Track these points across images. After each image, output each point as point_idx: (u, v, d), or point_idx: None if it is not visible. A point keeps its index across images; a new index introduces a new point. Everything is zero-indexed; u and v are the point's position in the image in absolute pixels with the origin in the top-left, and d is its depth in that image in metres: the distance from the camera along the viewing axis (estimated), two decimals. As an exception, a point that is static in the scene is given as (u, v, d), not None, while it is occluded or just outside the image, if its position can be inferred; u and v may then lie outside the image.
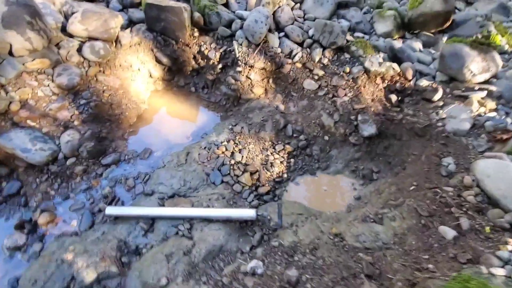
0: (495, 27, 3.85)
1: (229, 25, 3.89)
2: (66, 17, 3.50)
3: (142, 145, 3.37)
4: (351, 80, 3.53)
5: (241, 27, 3.77)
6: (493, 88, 3.15)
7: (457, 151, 2.78)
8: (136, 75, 3.73)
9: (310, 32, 3.83)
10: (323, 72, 3.66)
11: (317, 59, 3.72)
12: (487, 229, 2.08)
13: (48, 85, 3.00)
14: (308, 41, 3.81)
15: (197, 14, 3.81)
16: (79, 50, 3.30)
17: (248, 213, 2.46)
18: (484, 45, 3.22)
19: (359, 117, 3.35)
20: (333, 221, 2.77)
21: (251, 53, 3.65)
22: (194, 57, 3.97)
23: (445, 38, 4.18)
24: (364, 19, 4.20)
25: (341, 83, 3.53)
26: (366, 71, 3.50)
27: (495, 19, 4.35)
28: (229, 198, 2.84)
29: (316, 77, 3.67)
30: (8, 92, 2.83)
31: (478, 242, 2.03)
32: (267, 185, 3.04)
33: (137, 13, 3.97)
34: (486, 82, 3.26)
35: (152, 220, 2.59)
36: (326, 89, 3.59)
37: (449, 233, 2.17)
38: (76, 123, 3.03)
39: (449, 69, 3.30)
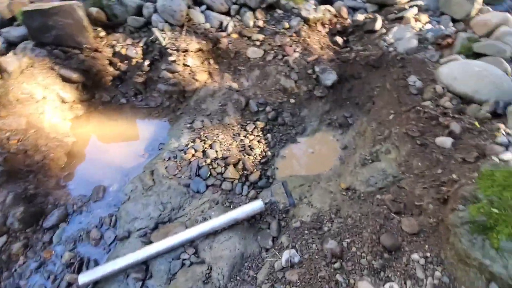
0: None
1: (139, 12, 3.35)
2: None
3: (89, 185, 2.73)
4: (294, 35, 3.42)
5: (155, 11, 3.28)
6: (420, 2, 3.40)
7: (416, 68, 2.94)
8: (44, 105, 2.96)
9: (233, -3, 3.56)
10: (263, 36, 3.47)
11: (251, 24, 3.50)
12: (476, 123, 2.23)
13: None
14: (234, 7, 3.55)
15: (94, 10, 3.17)
16: None
17: (256, 205, 2.19)
18: (398, -35, 3.42)
19: (316, 69, 3.30)
20: (336, 178, 2.70)
21: (179, 37, 3.21)
22: (111, 62, 3.34)
23: (357, -28, 4.36)
24: (280, -29, 4.09)
25: (285, 41, 3.40)
26: (305, 20, 3.43)
27: None
28: (222, 200, 2.51)
29: (258, 43, 3.46)
30: None
31: (476, 139, 2.16)
32: (255, 170, 2.79)
33: (14, 31, 3.12)
34: (411, 0, 3.51)
35: (145, 264, 2.12)
36: (272, 52, 3.42)
37: (446, 141, 2.28)
38: (-16, 191, 2.25)
39: (378, -4, 3.45)
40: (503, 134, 2.05)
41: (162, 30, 3.22)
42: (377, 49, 3.20)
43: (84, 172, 2.86)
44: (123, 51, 3.24)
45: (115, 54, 3.27)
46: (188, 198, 2.55)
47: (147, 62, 3.31)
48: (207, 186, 2.60)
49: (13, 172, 2.46)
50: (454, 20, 3.29)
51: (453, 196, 1.84)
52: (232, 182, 2.64)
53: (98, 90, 3.41)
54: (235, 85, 3.35)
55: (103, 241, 2.37)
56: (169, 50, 3.20)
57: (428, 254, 1.70)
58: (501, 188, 1.67)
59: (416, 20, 3.25)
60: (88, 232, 2.40)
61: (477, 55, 2.77)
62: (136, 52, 3.26)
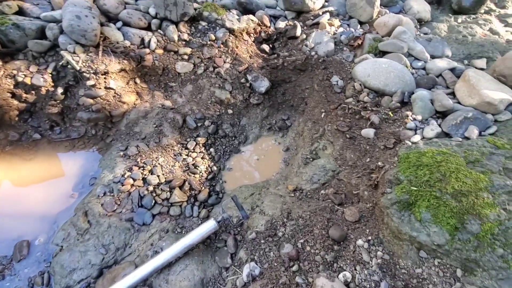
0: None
1: (41, 35, 3.02)
2: None
3: (8, 244, 2.36)
4: (222, 46, 3.52)
5: (62, 32, 3.01)
6: (331, 8, 3.85)
7: (336, 68, 3.32)
8: None
9: (152, 11, 3.49)
10: (191, 49, 3.48)
11: (176, 38, 3.48)
12: (390, 113, 2.64)
13: None
14: (155, 21, 3.48)
15: (-19, 35, 2.75)
16: None
17: (209, 226, 2.20)
18: (307, -25, 3.81)
19: (249, 77, 3.45)
20: (283, 181, 2.88)
21: (95, 58, 3.01)
22: (14, 95, 2.94)
23: (273, -19, 4.70)
24: (197, -18, 4.16)
25: (214, 53, 3.47)
26: (231, 31, 3.56)
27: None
28: (173, 227, 2.45)
29: (186, 57, 3.46)
30: None
31: (391, 127, 2.56)
32: (203, 188, 2.78)
33: None
34: (323, 6, 3.94)
35: (94, 320, 1.94)
36: (203, 64, 3.45)
37: (369, 132, 2.64)
38: None
39: (294, 4, 3.78)
40: (411, 120, 2.47)
41: (74, 53, 2.97)
42: (301, 53, 3.51)
43: (-3, 230, 2.45)
44: (28, 81, 2.89)
45: (18, 84, 2.89)
46: (134, 234, 2.41)
47: (60, 90, 3.00)
48: (154, 216, 2.50)
49: None
50: (360, 23, 3.82)
51: (381, 180, 2.15)
52: (180, 206, 2.59)
53: (2, 129, 2.96)
54: (168, 103, 3.28)
55: (36, 306, 2.09)
56: (85, 74, 2.96)
57: (369, 238, 1.95)
58: (416, 168, 2.02)
59: (330, 24, 3.67)
60: (15, 300, 2.08)
61: (383, 53, 3.27)
62: (44, 80, 2.93)
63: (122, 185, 2.62)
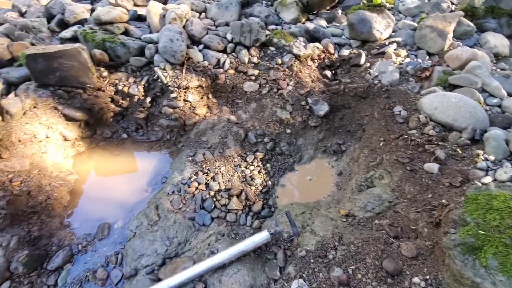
0: (372, -9, 4.66)
1: (140, 53, 3.56)
2: None
3: (93, 224, 2.76)
4: (287, 70, 3.71)
5: (157, 51, 3.51)
6: (398, 39, 3.80)
7: (400, 98, 3.24)
8: (47, 145, 3.04)
9: (229, 37, 3.86)
10: (258, 71, 3.74)
11: (246, 60, 3.78)
12: (458, 150, 2.49)
13: None
14: (230, 45, 3.84)
15: (97, 51, 3.35)
16: (-50, 141, 2.47)
17: (262, 236, 2.30)
18: (377, 7, 3.86)
19: (309, 100, 3.56)
20: (335, 204, 2.86)
21: (179, 75, 3.43)
22: (112, 100, 3.49)
23: (340, 11, 4.84)
24: (270, 11, 4.48)
25: (279, 75, 3.67)
26: (296, 57, 3.74)
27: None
28: (228, 232, 2.60)
29: (253, 78, 3.72)
30: None
31: (459, 164, 2.40)
32: (257, 200, 2.91)
33: (14, 72, 3.24)
34: (390, 36, 3.91)
35: (155, 303, 2.14)
36: (267, 85, 3.67)
37: (433, 167, 2.51)
38: (-12, 236, 2.25)
39: (360, 34, 3.83)
40: (482, 159, 2.30)
41: (164, 69, 3.43)
42: (363, 81, 3.52)
43: (87, 210, 2.89)
44: (126, 89, 3.41)
45: (117, 92, 3.43)
46: (194, 232, 2.62)
47: (148, 99, 3.47)
48: (212, 219, 2.69)
49: (17, 215, 2.48)
50: (429, 54, 3.69)
51: (444, 219, 2.03)
52: (236, 213, 2.75)
53: (99, 127, 3.52)
54: (233, 118, 3.54)
55: (110, 281, 2.38)
56: (170, 88, 3.39)
57: (427, 277, 1.84)
58: (485, 211, 1.87)
59: (397, 54, 3.62)
60: (94, 272, 2.41)
61: (453, 87, 3.10)
62: (138, 90, 3.43)
63: (189, 187, 2.89)
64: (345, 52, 3.86)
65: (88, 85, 3.26)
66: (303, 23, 4.47)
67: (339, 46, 4.02)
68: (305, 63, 3.79)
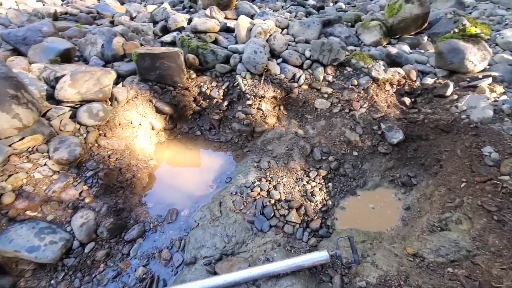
0: (468, 20, 4.23)
1: (226, 61, 3.79)
2: (48, 83, 3.14)
3: (164, 207, 2.98)
4: (362, 92, 3.55)
5: (240, 61, 3.69)
6: (495, 73, 3.35)
7: (491, 138, 2.82)
8: (138, 131, 3.40)
9: (307, 53, 3.87)
10: (331, 89, 3.65)
11: (321, 78, 3.73)
12: None
13: (45, 164, 2.57)
14: (307, 62, 3.84)
15: (191, 56, 3.67)
16: (72, 116, 2.93)
17: (321, 255, 2.19)
18: (472, 37, 3.47)
19: (382, 126, 3.34)
20: (400, 240, 2.60)
21: (257, 84, 3.54)
22: (195, 100, 3.77)
23: (425, 38, 4.49)
24: (351, 32, 4.38)
25: (353, 96, 3.54)
26: (374, 80, 3.56)
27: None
28: (284, 243, 2.54)
29: (326, 96, 3.65)
30: (-3, 183, 2.34)
31: None
32: (316, 218, 2.80)
33: (124, 66, 3.72)
34: (485, 70, 3.47)
35: (210, 295, 2.19)
36: (339, 105, 3.56)
37: (532, 224, 2.10)
38: (87, 200, 2.59)
39: (449, 64, 3.48)
40: None
41: (244, 78, 3.58)
42: (447, 114, 3.17)
43: (161, 193, 3.13)
44: (208, 92, 3.64)
45: (200, 93, 3.69)
46: (252, 235, 2.63)
47: (225, 103, 3.66)
48: (270, 226, 2.67)
49: (109, 186, 2.80)
50: (533, 94, 3.16)
51: (549, 290, 1.66)
52: (293, 226, 2.68)
53: (180, 122, 3.82)
54: (301, 132, 3.51)
55: (172, 263, 2.52)
56: (247, 95, 3.52)
57: None
58: None
59: (491, 90, 3.18)
60: (160, 251, 2.58)
61: None
62: (218, 93, 3.64)
63: (251, 191, 2.92)
64: (429, 80, 3.54)
65: (179, 84, 3.57)
66: (384, 46, 4.25)
67: (422, 73, 3.71)
68: (382, 87, 3.58)
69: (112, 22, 5.85)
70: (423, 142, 3.32)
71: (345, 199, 3.10)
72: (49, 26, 4.08)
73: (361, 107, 3.49)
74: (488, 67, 3.56)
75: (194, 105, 3.78)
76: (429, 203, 2.88)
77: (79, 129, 2.91)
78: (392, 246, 2.49)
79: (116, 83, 3.54)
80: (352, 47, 4.17)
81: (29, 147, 2.58)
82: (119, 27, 4.68)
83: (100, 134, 3.01)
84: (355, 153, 3.33)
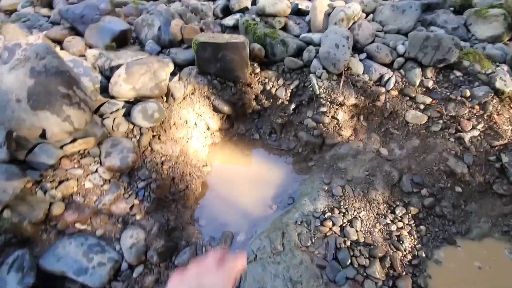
0: None
1: (296, 54, 3.04)
2: (103, 72, 2.73)
3: (218, 227, 2.53)
4: (477, 107, 2.60)
5: (316, 55, 2.92)
6: None
7: None
8: (193, 132, 2.92)
9: (400, 49, 2.94)
10: (431, 99, 2.75)
11: (417, 83, 2.82)
12: None
13: (97, 171, 2.21)
14: (399, 60, 2.93)
15: (257, 46, 2.99)
16: (126, 114, 2.51)
17: None
18: None
19: (504, 158, 2.42)
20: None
21: (336, 88, 2.78)
22: (256, 98, 3.14)
23: None
24: (459, 22, 3.28)
25: (462, 112, 2.61)
26: (497, 92, 2.57)
27: None
28: (364, 305, 1.95)
29: (421, 107, 2.77)
30: (47, 191, 2.04)
31: None
32: (404, 273, 2.13)
33: (181, 54, 3.18)
34: None
35: None
36: (441, 121, 2.68)
37: None
38: (138, 217, 2.22)
39: None
40: None
41: (319, 77, 2.83)
42: None
43: (214, 209, 2.68)
44: (273, 91, 2.99)
45: (264, 91, 3.05)
46: (322, 285, 2.07)
47: (293, 106, 2.98)
48: (347, 279, 2.07)
49: (161, 200, 2.41)
50: None
51: None
52: (376, 284, 2.06)
53: (237, 122, 3.26)
54: (384, 151, 2.74)
55: (226, 302, 2.10)
56: (322, 100, 2.79)
57: None
58: None
59: None
60: (213, 285, 2.17)
61: None
62: (285, 94, 2.96)
63: (321, 225, 2.32)
64: None
65: (241, 80, 2.96)
66: (505, 43, 3.11)
67: None
68: (507, 103, 2.59)
69: (168, -2, 5.29)
70: (561, 186, 2.36)
71: (441, 249, 2.35)
72: (107, 3, 3.64)
73: (473, 128, 2.57)
74: None
75: (254, 103, 3.16)
76: None
77: (132, 129, 2.50)
78: None
79: (172, 73, 3.04)
80: (462, 43, 3.11)
81: (80, 150, 2.23)
82: (176, 4, 4.10)
83: (154, 136, 2.58)
84: (458, 189, 2.49)
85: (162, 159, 2.54)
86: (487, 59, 2.87)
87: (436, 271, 2.24)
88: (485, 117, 2.57)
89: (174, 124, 2.76)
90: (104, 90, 2.58)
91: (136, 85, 2.45)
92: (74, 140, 2.17)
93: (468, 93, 2.66)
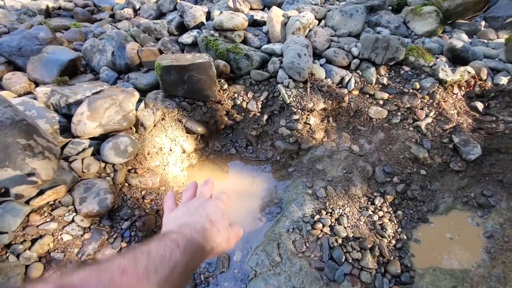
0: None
1: (262, 66, 3.19)
2: (59, 111, 2.57)
3: (212, 251, 2.55)
4: (426, 97, 3.01)
5: (281, 66, 3.09)
6: None
7: None
8: (168, 158, 2.89)
9: (354, 51, 3.26)
10: (388, 94, 3.10)
11: (374, 81, 3.16)
12: None
13: (73, 220, 2.09)
14: (355, 61, 3.25)
15: (221, 63, 3.06)
16: (95, 153, 2.40)
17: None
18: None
19: (455, 139, 2.84)
20: (495, 284, 2.21)
21: (304, 95, 2.98)
22: (227, 113, 3.21)
23: (483, 23, 3.85)
24: (399, 21, 3.72)
25: (415, 103, 3.00)
26: (441, 82, 3.00)
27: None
28: (364, 296, 2.15)
29: (381, 102, 3.11)
30: (20, 254, 1.89)
31: None
32: (392, 258, 2.40)
33: (142, 79, 3.12)
34: None
35: None
36: (400, 114, 3.03)
37: None
38: (128, 260, 2.14)
39: (533, 60, 2.91)
40: None
41: (287, 87, 3.01)
42: (536, 124, 2.66)
43: (204, 233, 2.69)
44: (244, 105, 3.09)
45: (235, 106, 3.13)
46: (323, 287, 2.23)
47: (265, 117, 3.12)
48: (345, 275, 2.26)
49: (149, 236, 2.35)
50: None
51: None
52: (371, 273, 2.28)
53: (211, 140, 3.30)
54: (356, 148, 3.01)
55: (234, 325, 2.15)
56: (293, 108, 2.97)
57: None
58: None
59: None
60: (219, 312, 2.20)
61: None
62: (256, 106, 3.08)
63: (312, 228, 2.49)
64: (503, 80, 2.99)
65: (210, 98, 3.01)
66: (439, 36, 3.63)
67: (492, 71, 3.14)
68: (450, 90, 3.03)
69: (112, 16, 5.09)
70: (500, 156, 2.85)
71: (418, 228, 2.68)
72: (46, 32, 3.40)
73: (427, 116, 2.96)
74: None
75: (226, 119, 3.23)
76: (521, 232, 2.47)
77: (104, 167, 2.40)
78: (492, 295, 2.11)
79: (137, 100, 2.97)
80: (404, 40, 3.54)
81: (50, 201, 2.09)
82: (124, 24, 3.99)
83: (129, 171, 2.51)
84: (423, 172, 2.86)
85: (143, 193, 2.48)
86: (428, 52, 3.32)
87: (417, 249, 2.55)
88: (435, 105, 2.98)
89: (148, 153, 2.71)
90: (65, 130, 2.44)
91: (102, 121, 2.36)
92: (41, 192, 2.02)
93: (417, 86, 3.06)
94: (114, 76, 3.19)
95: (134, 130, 2.69)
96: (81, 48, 3.63)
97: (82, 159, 2.32)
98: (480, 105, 2.97)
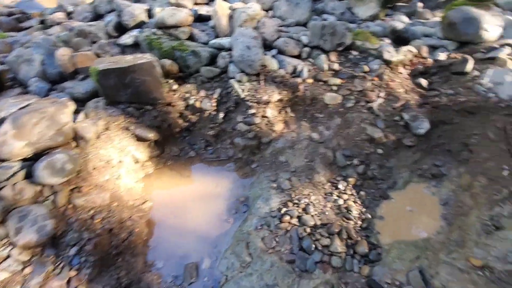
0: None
1: (211, 62, 3.10)
2: (-22, 132, 2.26)
3: (178, 262, 2.44)
4: (375, 79, 3.15)
5: (231, 60, 3.03)
6: (509, 41, 3.13)
7: (527, 117, 2.64)
8: (119, 170, 2.70)
9: (304, 39, 3.32)
10: (340, 80, 3.20)
11: (326, 67, 3.25)
12: None
13: (9, 255, 1.85)
14: (306, 49, 3.31)
15: (167, 62, 2.93)
16: (28, 175, 2.15)
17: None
18: (483, 2, 3.17)
19: (405, 116, 3.01)
20: (455, 248, 2.38)
21: (258, 88, 2.96)
22: (181, 115, 3.09)
23: (420, 4, 4.14)
24: (344, 7, 3.86)
25: (366, 85, 3.13)
26: (387, 63, 3.17)
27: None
28: (336, 281, 2.20)
29: (335, 88, 3.20)
30: None
31: None
32: (360, 238, 2.48)
33: (79, 87, 2.88)
34: (502, 37, 3.24)
35: None
36: (353, 97, 3.15)
37: None
38: (80, 289, 1.96)
39: (463, 35, 3.18)
40: None
41: (240, 81, 2.97)
42: (472, 93, 2.92)
43: (167, 244, 2.56)
44: (197, 104, 2.99)
45: (188, 107, 3.02)
46: (296, 279, 2.24)
47: (221, 114, 3.05)
48: (316, 263, 2.29)
49: (103, 259, 2.17)
50: (550, 59, 3.01)
51: None
52: (340, 257, 2.33)
53: (167, 145, 3.15)
54: (315, 135, 3.07)
55: (209, 337, 2.07)
56: (248, 102, 2.94)
57: None
58: None
59: (512, 61, 2.97)
60: (191, 325, 2.10)
61: None
62: (210, 105, 3.00)
63: (280, 222, 2.49)
64: (442, 56, 3.24)
65: (159, 101, 2.86)
66: (382, 19, 3.83)
67: (432, 48, 3.39)
68: (396, 70, 3.21)
69: (42, 22, 4.64)
70: (446, 127, 3.08)
71: (380, 205, 2.81)
72: (-44, 43, 2.98)
73: (378, 97, 3.11)
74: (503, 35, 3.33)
75: (181, 121, 3.11)
76: (470, 196, 2.69)
77: (41, 191, 2.16)
78: (452, 259, 2.27)
79: (75, 111, 2.73)
80: (350, 25, 3.68)
81: (-26, 238, 1.83)
82: (55, 29, 3.65)
83: (72, 191, 2.29)
84: (379, 151, 3.00)
85: (91, 212, 2.28)
86: (373, 35, 3.48)
87: (382, 226, 2.67)
88: (384, 86, 3.14)
89: (94, 168, 2.50)
90: (-13, 153, 2.14)
91: (32, 138, 2.12)
92: (-39, 229, 1.76)
93: (367, 68, 3.19)
94: (45, 87, 2.90)
95: (75, 144, 2.46)
96: (5, 61, 3.25)
97: (13, 185, 2.06)
98: (424, 82, 3.19)
